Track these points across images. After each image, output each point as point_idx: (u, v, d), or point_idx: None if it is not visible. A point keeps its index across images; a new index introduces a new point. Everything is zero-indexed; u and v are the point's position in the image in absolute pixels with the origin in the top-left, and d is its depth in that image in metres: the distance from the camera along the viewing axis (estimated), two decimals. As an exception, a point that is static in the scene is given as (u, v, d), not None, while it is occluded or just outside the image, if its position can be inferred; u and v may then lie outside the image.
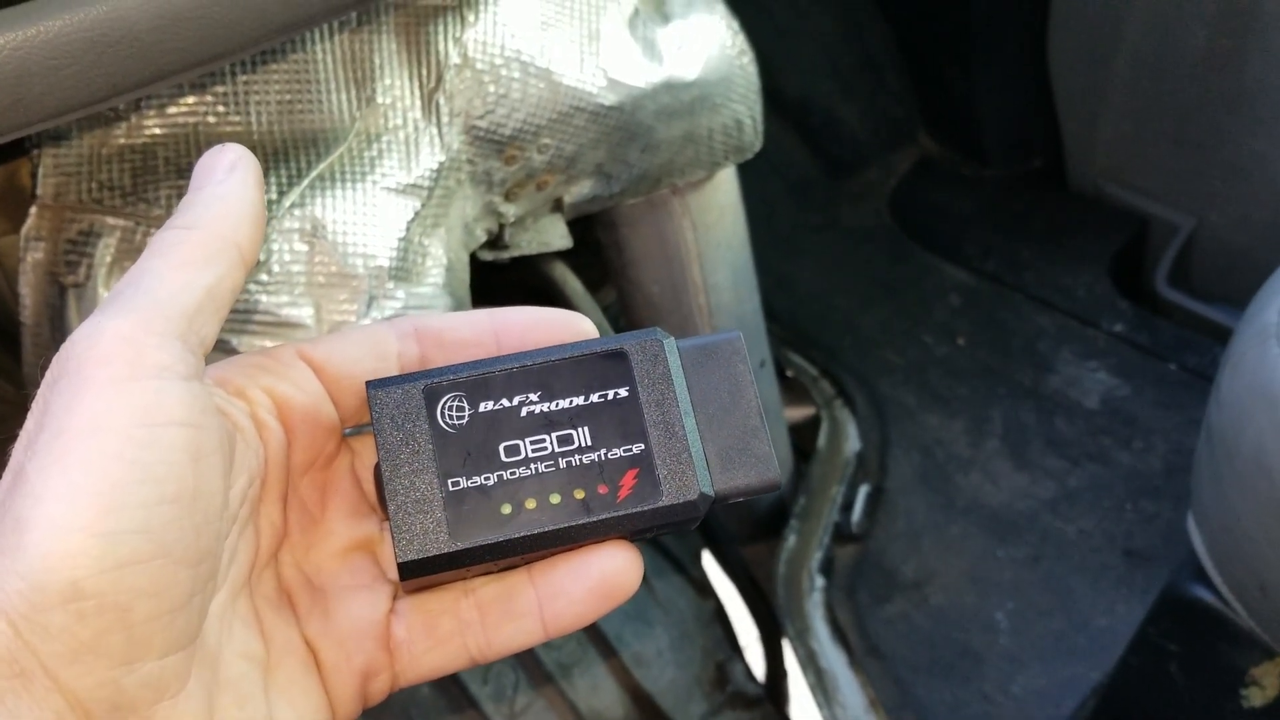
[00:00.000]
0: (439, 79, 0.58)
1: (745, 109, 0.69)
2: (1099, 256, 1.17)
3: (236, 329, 0.51)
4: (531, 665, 0.79)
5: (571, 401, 0.32)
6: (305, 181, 0.54)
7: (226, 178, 0.31)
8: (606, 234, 0.80)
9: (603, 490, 0.32)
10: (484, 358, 0.33)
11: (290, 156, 0.54)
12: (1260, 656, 0.63)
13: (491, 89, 0.59)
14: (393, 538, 0.31)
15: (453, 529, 0.31)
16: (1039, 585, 0.91)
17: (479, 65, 0.58)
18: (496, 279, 0.73)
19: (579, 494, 0.32)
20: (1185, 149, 1.13)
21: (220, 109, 0.52)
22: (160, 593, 0.26)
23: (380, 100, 0.57)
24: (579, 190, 0.66)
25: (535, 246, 0.67)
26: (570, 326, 0.34)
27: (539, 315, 0.34)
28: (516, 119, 0.60)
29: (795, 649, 0.88)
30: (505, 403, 0.32)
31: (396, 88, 0.57)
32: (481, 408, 0.32)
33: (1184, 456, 0.98)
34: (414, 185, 0.57)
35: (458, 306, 0.58)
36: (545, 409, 0.32)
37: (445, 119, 0.58)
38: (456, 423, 0.32)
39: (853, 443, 1.03)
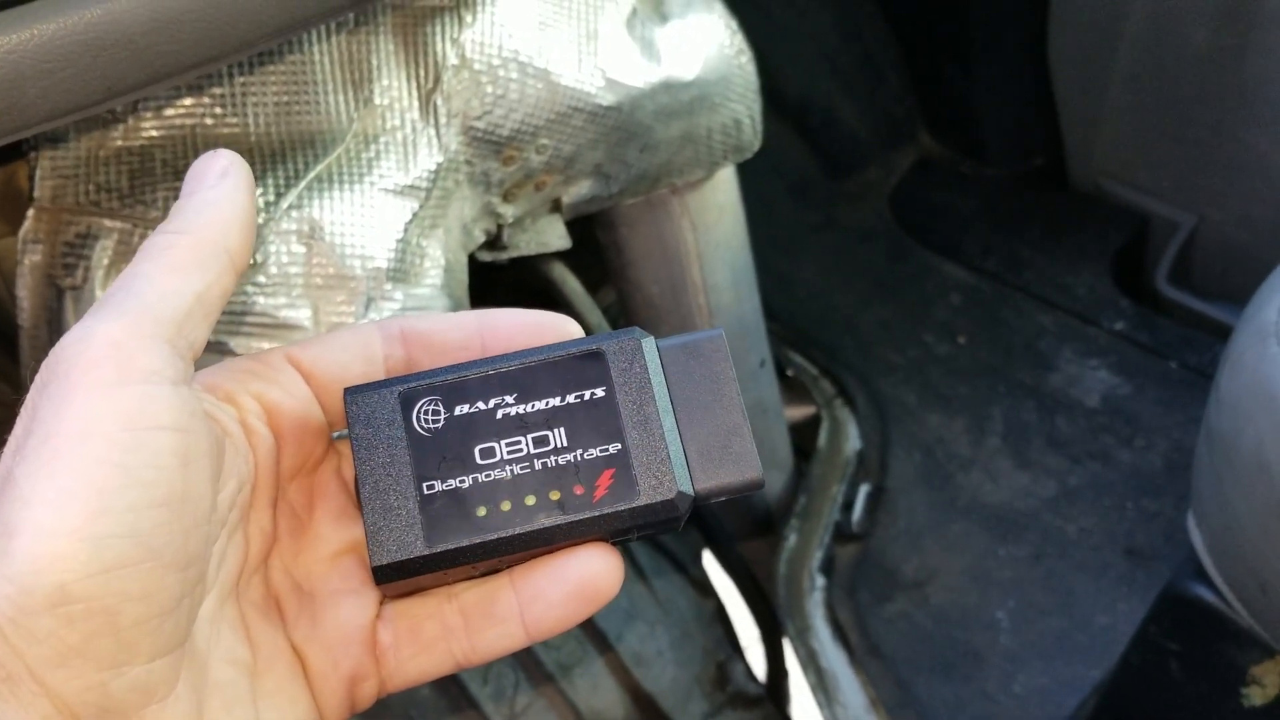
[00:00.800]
0: (436, 80, 0.58)
1: (744, 108, 0.69)
2: (1100, 255, 1.16)
3: (233, 330, 0.51)
4: (531, 665, 0.79)
5: (547, 403, 0.32)
6: (303, 183, 0.54)
7: (218, 183, 0.31)
8: (605, 234, 0.79)
9: (579, 491, 0.32)
10: (467, 361, 0.33)
11: (287, 158, 0.54)
12: (1260, 655, 0.63)
13: (489, 89, 0.59)
14: (367, 542, 0.31)
15: (427, 532, 0.31)
16: (1040, 584, 0.91)
17: (477, 66, 0.58)
18: (495, 280, 0.73)
19: (554, 495, 0.31)
20: (1186, 147, 1.12)
21: (217, 111, 0.52)
22: (148, 597, 0.26)
23: (378, 101, 0.56)
24: (577, 190, 0.66)
25: (534, 247, 0.67)
26: (557, 329, 0.33)
27: (526, 318, 0.33)
28: (514, 119, 0.59)
29: (796, 648, 0.88)
30: (481, 405, 0.32)
31: (394, 89, 0.57)
32: (457, 410, 0.32)
33: (1185, 455, 0.98)
34: (412, 186, 0.57)
35: (456, 308, 0.58)
36: (521, 410, 0.32)
37: (443, 120, 0.58)
38: (432, 426, 0.32)
39: (853, 442, 1.03)
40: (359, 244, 0.54)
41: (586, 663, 0.81)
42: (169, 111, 0.51)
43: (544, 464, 0.32)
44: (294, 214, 0.53)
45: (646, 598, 0.87)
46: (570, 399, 0.32)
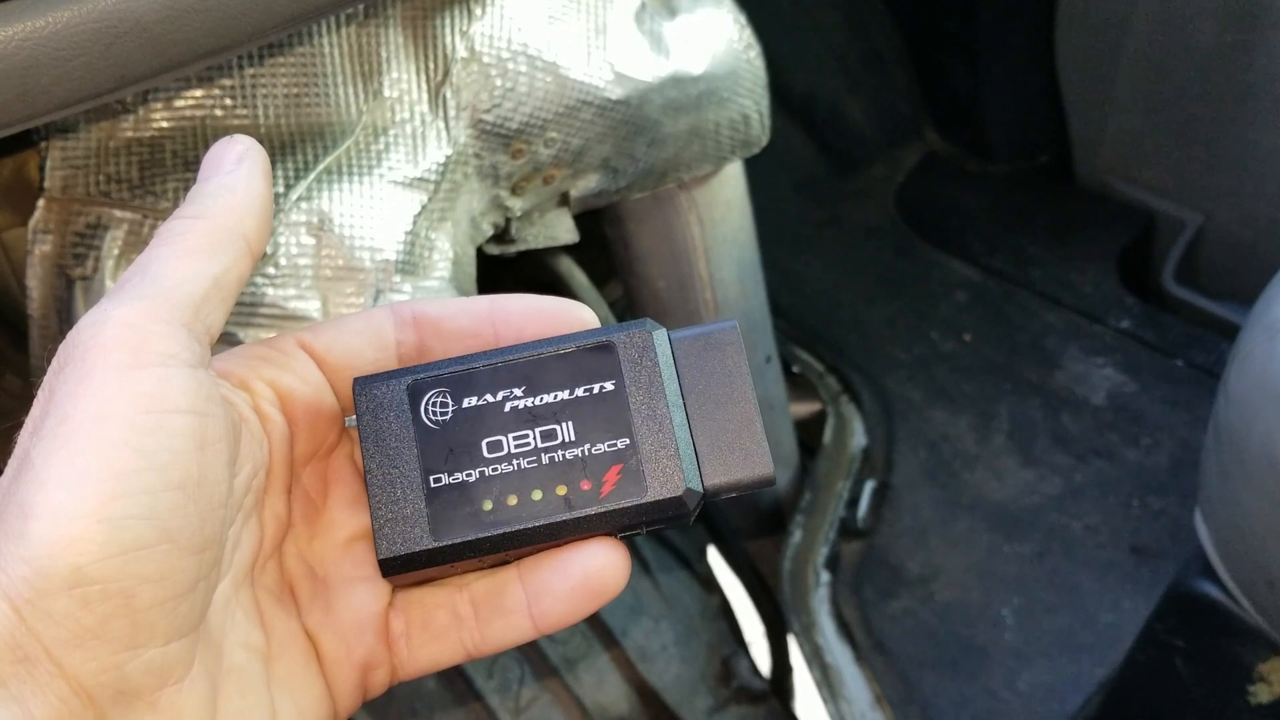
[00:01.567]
0: (446, 72, 0.58)
1: (752, 103, 0.69)
2: (1106, 253, 1.16)
3: (243, 321, 0.51)
4: (536, 659, 0.79)
5: (556, 396, 0.32)
6: (312, 175, 0.54)
7: (235, 169, 0.31)
8: (613, 229, 0.79)
9: (586, 486, 0.31)
10: (478, 350, 0.33)
11: (297, 150, 0.54)
12: (1267, 652, 0.63)
13: (498, 83, 0.59)
14: (374, 535, 0.31)
15: (433, 526, 0.31)
16: (1045, 581, 0.91)
17: (486, 59, 0.58)
18: (502, 273, 0.73)
19: (561, 490, 0.31)
20: (1192, 145, 1.12)
21: (227, 102, 0.52)
22: (164, 579, 0.26)
23: (387, 94, 0.57)
24: (585, 184, 0.66)
25: (541, 241, 0.67)
26: (570, 315, 0.33)
27: (538, 304, 0.33)
28: (523, 113, 0.59)
29: (801, 644, 0.88)
30: (489, 398, 0.32)
31: (403, 81, 0.57)
32: (465, 403, 0.32)
33: (1191, 453, 0.98)
34: (421, 179, 0.57)
35: (464, 300, 0.58)
36: (529, 404, 0.32)
37: (452, 112, 0.58)
38: (440, 419, 0.32)
39: (859, 438, 1.03)
40: (368, 236, 0.54)
41: (591, 657, 0.81)
42: (179, 102, 0.51)
43: (551, 458, 0.31)
44: (303, 206, 0.53)
45: (652, 593, 0.87)
46: (579, 392, 0.32)
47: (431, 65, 0.58)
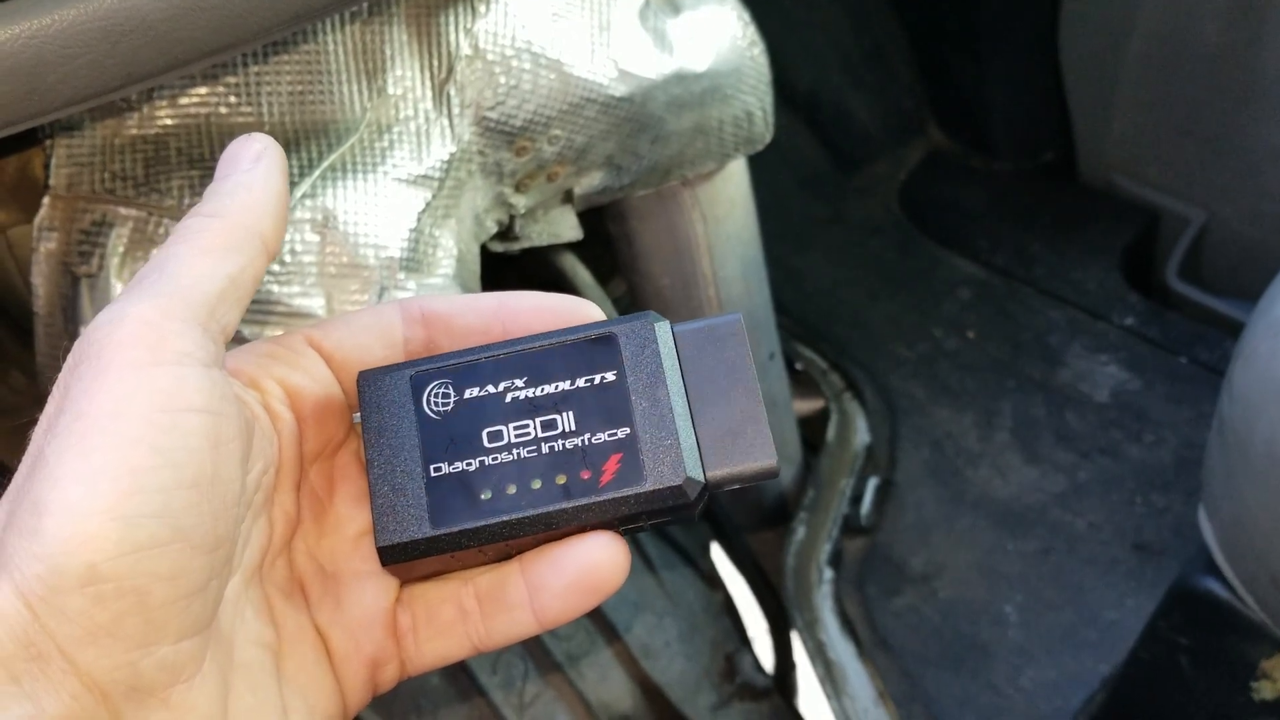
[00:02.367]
0: (450, 70, 0.58)
1: (756, 100, 0.69)
2: (1110, 250, 1.16)
3: (247, 319, 0.51)
4: (540, 655, 0.79)
5: (557, 386, 0.32)
6: (316, 172, 0.54)
7: (252, 167, 0.31)
8: (617, 226, 0.80)
9: (585, 475, 0.31)
10: (480, 345, 0.33)
11: (301, 147, 0.54)
12: (1271, 649, 0.63)
13: (502, 80, 0.59)
14: (374, 523, 0.31)
15: (432, 514, 0.31)
16: (1048, 579, 0.91)
17: (490, 56, 0.58)
18: (506, 270, 0.73)
19: (561, 479, 0.31)
20: (1197, 142, 1.12)
21: (232, 100, 0.52)
22: (177, 577, 0.26)
23: (391, 91, 0.57)
24: (589, 182, 0.66)
25: (545, 238, 0.67)
26: (577, 313, 0.33)
27: (545, 302, 0.33)
28: (527, 110, 0.60)
29: (804, 641, 0.88)
30: (491, 389, 0.32)
31: (407, 79, 0.57)
32: (467, 394, 0.32)
33: (1194, 450, 0.98)
34: (425, 176, 0.57)
35: (468, 297, 0.58)
36: (530, 394, 0.32)
37: (456, 110, 0.58)
38: (442, 409, 0.32)
39: (862, 435, 1.03)
40: (372, 233, 0.54)
41: (595, 653, 0.81)
42: (184, 100, 0.51)
43: (551, 448, 0.31)
44: (308, 203, 0.53)
45: (655, 589, 0.87)
46: (580, 383, 0.32)
47: (436, 62, 0.58)
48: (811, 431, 1.07)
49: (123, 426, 0.26)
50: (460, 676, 0.77)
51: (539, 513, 0.31)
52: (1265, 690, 0.63)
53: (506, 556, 0.33)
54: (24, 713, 0.25)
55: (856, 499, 0.98)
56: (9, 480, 0.28)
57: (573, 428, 0.32)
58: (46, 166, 0.51)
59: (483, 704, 0.76)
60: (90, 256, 0.50)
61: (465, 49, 0.58)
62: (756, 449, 0.32)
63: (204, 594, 0.27)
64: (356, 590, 0.33)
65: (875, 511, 0.97)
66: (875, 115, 1.32)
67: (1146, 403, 1.02)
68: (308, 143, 0.54)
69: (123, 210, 0.50)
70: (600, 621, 0.82)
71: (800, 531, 0.95)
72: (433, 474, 0.32)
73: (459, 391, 0.32)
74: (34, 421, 0.28)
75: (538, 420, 0.32)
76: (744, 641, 0.90)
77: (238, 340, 0.50)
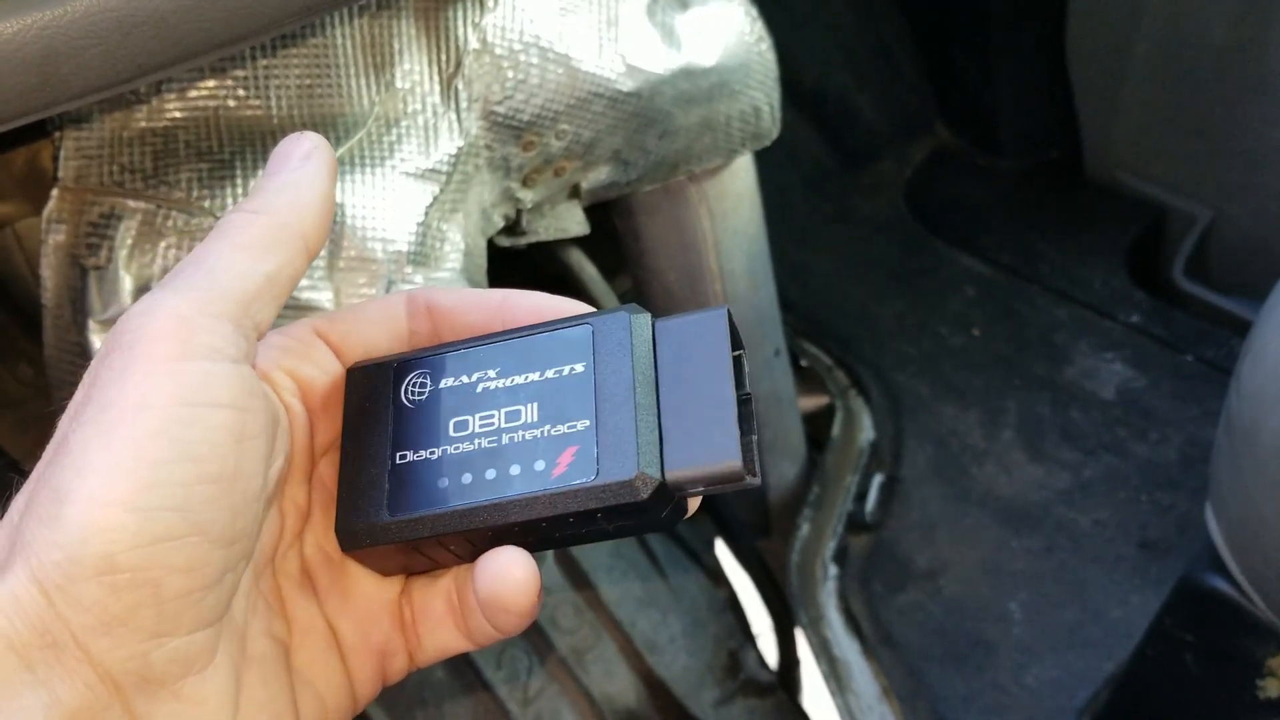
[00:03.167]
0: (458, 64, 0.58)
1: (763, 96, 0.69)
2: (1115, 248, 1.16)
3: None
4: (545, 649, 0.80)
5: (526, 377, 0.32)
6: (325, 165, 0.54)
7: (300, 166, 0.31)
8: (623, 221, 0.80)
9: (539, 466, 0.31)
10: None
11: (310, 141, 0.54)
12: (1277, 647, 0.63)
13: (510, 74, 0.59)
14: (336, 508, 0.32)
15: (390, 501, 0.31)
16: (1053, 576, 0.91)
17: (498, 50, 0.58)
18: (513, 265, 0.73)
19: (515, 469, 0.31)
20: (1204, 140, 1.12)
21: (240, 93, 0.52)
22: (193, 570, 0.26)
23: (399, 85, 0.57)
24: (596, 177, 0.66)
25: (552, 233, 0.67)
26: (579, 312, 0.33)
27: (549, 303, 0.33)
28: (535, 105, 0.60)
29: (808, 637, 0.88)
30: (464, 379, 0.32)
31: (415, 73, 0.57)
32: (442, 384, 0.32)
33: (1200, 448, 0.97)
34: (432, 170, 0.57)
35: (475, 292, 0.58)
36: (500, 385, 0.32)
37: (464, 104, 0.58)
38: (417, 399, 0.32)
39: (867, 432, 1.03)
40: (380, 227, 0.54)
41: (599, 648, 0.81)
42: (192, 93, 0.51)
43: (511, 438, 0.31)
44: (316, 196, 0.53)
45: (659, 585, 0.87)
46: (549, 374, 0.32)
47: (444, 57, 0.58)
48: (816, 428, 1.07)
49: (146, 419, 0.26)
50: (465, 671, 0.77)
51: (488, 502, 0.30)
52: (1271, 688, 0.63)
53: (475, 555, 0.32)
54: (39, 701, 0.25)
55: (861, 496, 0.98)
56: (13, 472, 0.28)
57: (534, 419, 0.31)
58: (55, 159, 0.51)
59: (487, 698, 0.76)
60: (99, 249, 0.50)
61: (473, 43, 0.58)
62: (720, 449, 0.30)
63: (219, 587, 0.27)
64: (362, 581, 0.33)
65: (880, 508, 0.97)
66: (881, 112, 1.32)
67: (1152, 401, 1.02)
68: (316, 136, 0.54)
69: (131, 203, 0.50)
70: (605, 616, 0.82)
71: (805, 528, 0.95)
72: (397, 461, 0.32)
73: (435, 381, 0.32)
74: (41, 414, 0.28)
75: (503, 410, 0.31)
76: (748, 638, 0.90)
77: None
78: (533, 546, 0.31)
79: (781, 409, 0.94)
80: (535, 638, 0.79)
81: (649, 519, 0.31)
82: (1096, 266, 1.15)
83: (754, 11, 0.68)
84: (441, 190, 0.57)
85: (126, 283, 0.50)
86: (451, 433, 0.31)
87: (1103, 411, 1.02)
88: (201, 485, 0.26)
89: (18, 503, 0.27)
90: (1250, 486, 0.57)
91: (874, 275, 1.20)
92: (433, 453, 0.31)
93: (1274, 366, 0.55)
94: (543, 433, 0.31)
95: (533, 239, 0.66)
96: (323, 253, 0.52)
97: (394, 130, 0.56)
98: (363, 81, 0.56)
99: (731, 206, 0.78)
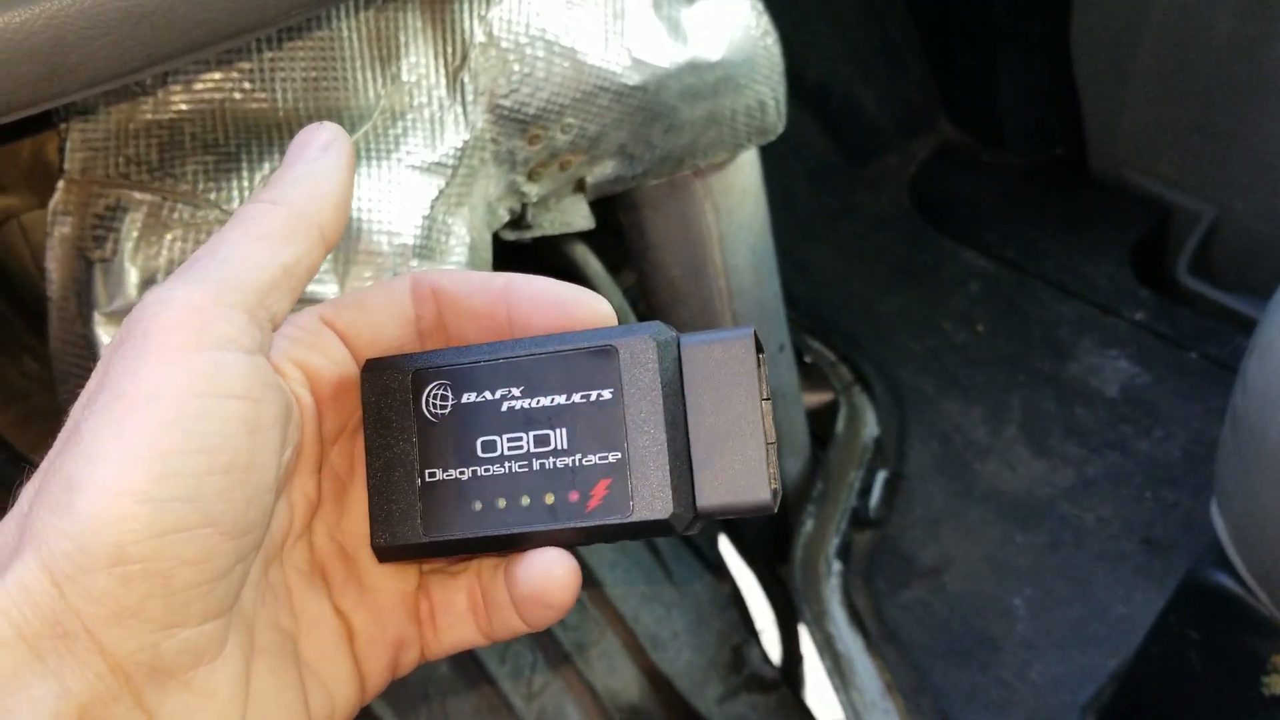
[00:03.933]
0: (464, 57, 0.58)
1: (769, 90, 0.69)
2: (1120, 245, 1.16)
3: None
4: (548, 645, 0.80)
5: (553, 400, 0.32)
6: (330, 158, 0.54)
7: (319, 156, 0.31)
8: (628, 216, 0.79)
9: (573, 498, 0.31)
10: (493, 332, 0.33)
11: (315, 133, 0.54)
12: (1282, 645, 0.63)
13: (516, 68, 0.58)
14: (370, 522, 0.32)
15: (425, 521, 0.31)
16: (1057, 573, 0.91)
17: (504, 44, 0.58)
18: (518, 259, 0.73)
19: (549, 498, 0.31)
20: (1209, 137, 1.12)
21: (246, 85, 0.52)
22: (204, 562, 0.26)
23: (405, 78, 0.56)
24: (601, 171, 0.66)
25: (557, 227, 0.67)
26: (583, 305, 0.33)
27: (552, 292, 0.33)
28: (540, 98, 0.59)
29: (812, 633, 0.89)
30: (488, 395, 0.32)
31: (421, 66, 0.57)
32: (464, 399, 0.32)
33: (1204, 446, 0.97)
34: (438, 164, 0.57)
35: (481, 285, 0.58)
36: (526, 405, 0.32)
37: (470, 97, 0.58)
38: (439, 412, 0.32)
39: (871, 428, 1.03)
40: (386, 220, 0.54)
41: (603, 643, 0.81)
42: (198, 85, 0.51)
43: (542, 465, 0.31)
44: (321, 189, 0.53)
45: (663, 581, 0.87)
46: (576, 398, 0.32)
47: (450, 50, 0.58)
48: (820, 424, 1.07)
49: (160, 409, 0.26)
50: (469, 665, 0.77)
51: (524, 531, 0.31)
52: (1276, 685, 0.63)
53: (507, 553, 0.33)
54: (49, 691, 0.25)
55: (865, 492, 0.98)
56: (17, 465, 0.28)
57: (565, 445, 0.31)
58: (61, 151, 0.51)
59: (491, 693, 0.76)
60: (104, 241, 0.50)
61: (479, 36, 0.58)
62: (749, 483, 0.31)
63: (229, 578, 0.27)
64: (380, 575, 0.33)
65: (884, 504, 0.97)
66: (885, 108, 1.32)
67: (1156, 398, 1.02)
68: (322, 129, 0.54)
69: (137, 195, 0.50)
70: (609, 611, 0.82)
71: (809, 524, 0.95)
72: (427, 479, 0.32)
73: (457, 395, 0.32)
74: (46, 407, 0.28)
75: (531, 434, 0.32)
76: (752, 633, 0.90)
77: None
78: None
79: (785, 405, 0.93)
80: (539, 633, 0.80)
81: (671, 535, 0.32)
82: (1101, 263, 1.14)
83: (760, 5, 0.68)
84: (447, 184, 0.57)
85: (132, 275, 0.49)
86: (480, 453, 0.32)
87: (1107, 408, 1.02)
88: (214, 476, 0.26)
89: (28, 491, 0.27)
90: (1256, 483, 0.57)
91: (878, 271, 1.20)
92: (462, 473, 0.32)
93: (1281, 363, 0.55)
94: (574, 461, 0.31)
95: (538, 233, 0.66)
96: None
97: (400, 123, 0.56)
98: (368, 75, 0.56)
99: (736, 201, 0.78)
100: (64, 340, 0.52)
